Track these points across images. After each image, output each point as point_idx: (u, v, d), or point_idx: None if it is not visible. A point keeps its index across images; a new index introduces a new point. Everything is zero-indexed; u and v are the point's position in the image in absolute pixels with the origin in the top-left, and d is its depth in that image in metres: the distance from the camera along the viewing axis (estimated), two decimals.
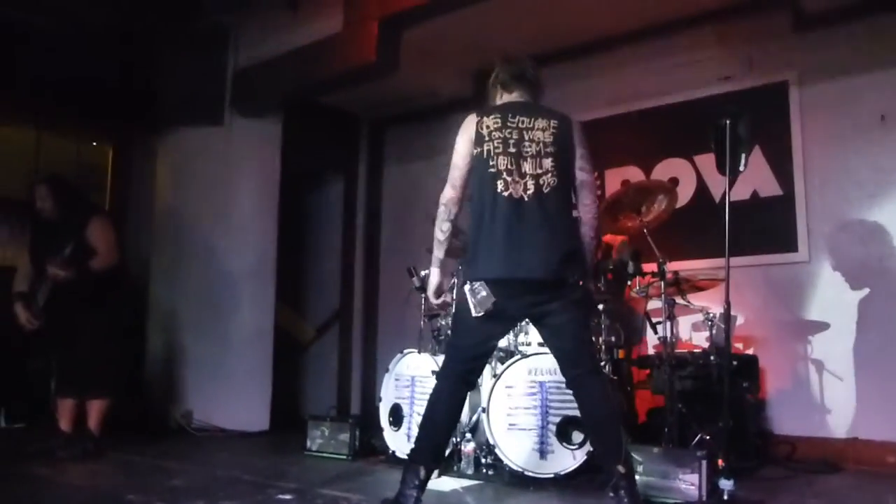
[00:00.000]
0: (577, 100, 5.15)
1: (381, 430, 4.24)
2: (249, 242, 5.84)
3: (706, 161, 5.01)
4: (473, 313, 2.71)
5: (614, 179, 5.42)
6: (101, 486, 3.55)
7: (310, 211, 7.06)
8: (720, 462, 3.09)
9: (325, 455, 4.40)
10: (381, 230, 6.88)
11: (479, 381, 3.66)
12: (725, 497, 2.94)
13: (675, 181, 4.97)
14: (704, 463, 3.00)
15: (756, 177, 4.86)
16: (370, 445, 4.41)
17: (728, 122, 3.52)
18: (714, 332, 4.17)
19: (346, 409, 6.38)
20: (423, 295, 4.37)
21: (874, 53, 4.53)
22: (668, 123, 5.32)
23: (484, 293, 2.70)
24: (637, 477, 2.82)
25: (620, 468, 2.61)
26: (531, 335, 3.80)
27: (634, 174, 5.38)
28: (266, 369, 5.78)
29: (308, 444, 4.53)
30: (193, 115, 5.88)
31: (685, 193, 5.07)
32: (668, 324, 3.96)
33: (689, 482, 3.00)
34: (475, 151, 2.82)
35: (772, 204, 4.86)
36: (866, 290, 4.42)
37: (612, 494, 2.67)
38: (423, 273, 3.99)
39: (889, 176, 4.42)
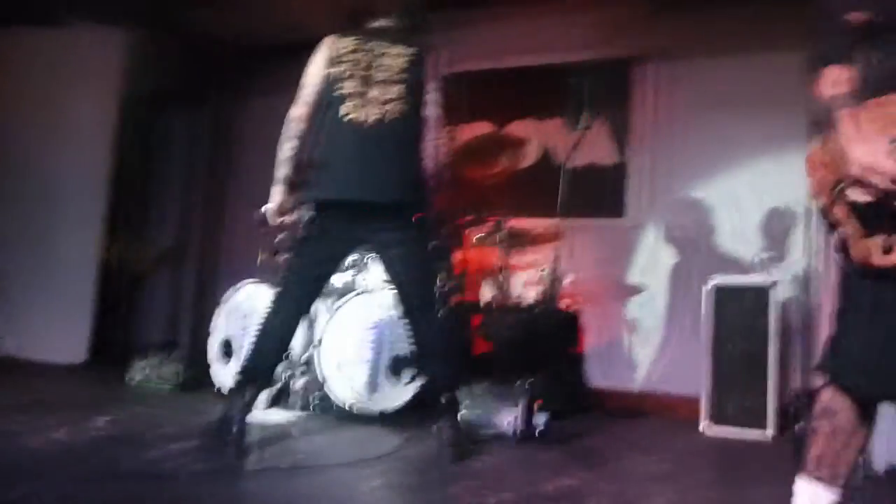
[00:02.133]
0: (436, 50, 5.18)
1: (209, 363, 4.14)
2: (79, 161, 5.40)
3: (553, 126, 5.27)
4: (303, 235, 2.74)
5: (467, 134, 5.52)
6: None
7: (154, 137, 6.63)
8: (537, 403, 3.33)
9: (149, 386, 4.25)
10: (235, 164, 6.60)
11: (314, 315, 3.69)
12: (538, 432, 3.19)
13: (522, 140, 5.16)
14: (522, 401, 3.20)
15: (597, 146, 5.16)
16: (198, 379, 4.30)
17: (574, 80, 3.74)
18: (543, 286, 4.43)
19: (175, 343, 6.15)
20: (264, 229, 4.29)
21: (718, 39, 4.86)
22: (523, 86, 5.49)
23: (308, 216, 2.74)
24: (460, 413, 2.97)
25: (444, 396, 2.73)
26: (371, 274, 3.84)
27: (487, 131, 5.52)
28: (87, 299, 5.43)
29: (131, 374, 4.34)
30: (27, 12, 5.31)
31: (530, 154, 5.28)
32: (502, 275, 4.15)
33: (507, 418, 3.19)
34: (325, 73, 2.80)
35: (607, 171, 5.18)
36: (683, 258, 4.83)
37: (435, 427, 2.80)
38: (263, 208, 3.91)
39: (716, 158, 4.83)
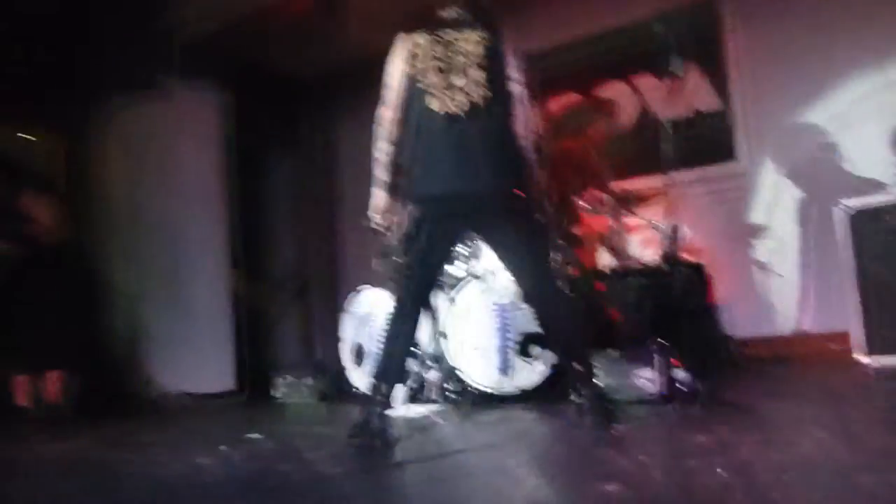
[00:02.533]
0: (515, 31, 5.11)
1: (344, 370, 4.28)
2: (201, 212, 5.79)
3: (645, 81, 5.12)
4: (409, 233, 2.76)
5: (556, 107, 5.44)
6: (71, 453, 3.52)
7: (262, 177, 6.96)
8: (674, 361, 3.21)
9: (293, 402, 4.44)
10: (341, 190, 6.83)
11: (435, 307, 3.73)
12: (680, 391, 3.07)
13: (614, 102, 5.02)
14: (659, 358, 3.10)
15: (695, 94, 4.97)
16: (337, 388, 4.45)
17: (659, 30, 3.61)
18: (663, 243, 4.28)
19: (312, 357, 6.43)
20: (374, 234, 4.38)
21: None
22: (605, 48, 5.34)
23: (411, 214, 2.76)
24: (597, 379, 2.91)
25: (579, 366, 2.68)
26: (483, 259, 3.84)
27: (577, 100, 5.40)
28: (226, 331, 5.77)
29: (275, 393, 4.55)
30: (135, 87, 5.69)
31: (626, 115, 5.14)
32: (618, 237, 4.05)
33: (647, 378, 3.10)
34: (407, 70, 2.81)
35: (711, 118, 4.96)
36: (803, 191, 4.56)
37: (573, 397, 2.75)
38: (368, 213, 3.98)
39: (818, 82, 4.54)
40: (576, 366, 2.73)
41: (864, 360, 3.60)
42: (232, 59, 5.67)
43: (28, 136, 5.99)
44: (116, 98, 5.72)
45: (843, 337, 3.79)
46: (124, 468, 2.80)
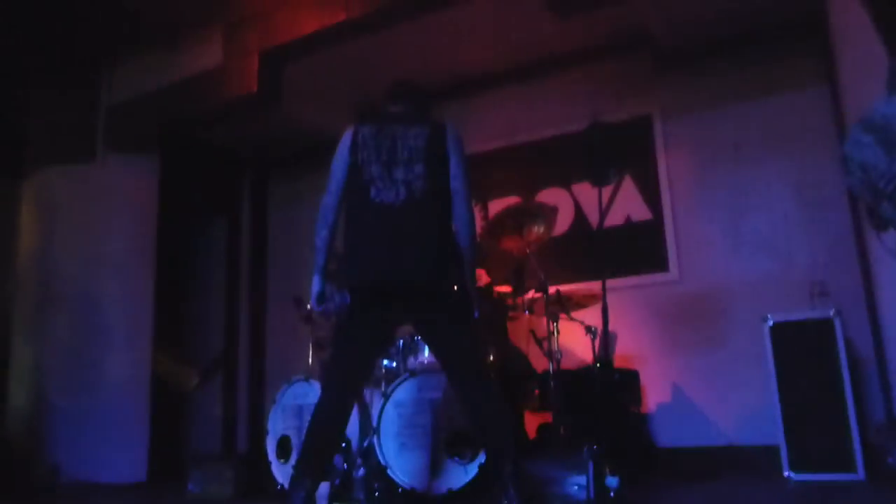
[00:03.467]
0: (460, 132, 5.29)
1: (269, 465, 4.08)
2: (123, 286, 5.56)
3: (582, 190, 5.30)
4: (343, 321, 2.74)
5: (497, 209, 5.56)
6: None
7: (192, 252, 6.83)
8: (606, 468, 3.19)
9: (209, 497, 4.19)
10: (269, 269, 6.74)
11: (369, 402, 3.64)
12: (612, 495, 3.04)
13: (553, 207, 5.17)
14: (591, 464, 3.07)
15: (628, 204, 5.19)
16: (258, 483, 4.23)
17: (596, 143, 3.77)
18: (596, 347, 4.32)
19: (233, 449, 6.12)
20: (309, 326, 4.31)
21: (728, 88, 4.97)
22: (546, 156, 5.57)
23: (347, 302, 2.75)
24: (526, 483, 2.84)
25: (508, 467, 2.63)
26: (420, 355, 3.80)
27: (517, 203, 5.55)
28: (142, 418, 5.47)
29: (190, 486, 4.29)
30: (63, 153, 5.62)
31: (563, 221, 5.28)
32: (552, 340, 4.07)
33: (577, 483, 3.06)
34: (351, 160, 2.86)
35: (643, 228, 5.15)
36: (732, 303, 4.71)
37: (503, 500, 2.68)
38: (309, 305, 3.93)
39: (744, 197, 4.82)
40: (505, 466, 2.69)
41: (789, 475, 3.64)
42: (166, 130, 5.65)
43: None
44: (45, 166, 5.61)
45: (773, 451, 3.82)
46: None
